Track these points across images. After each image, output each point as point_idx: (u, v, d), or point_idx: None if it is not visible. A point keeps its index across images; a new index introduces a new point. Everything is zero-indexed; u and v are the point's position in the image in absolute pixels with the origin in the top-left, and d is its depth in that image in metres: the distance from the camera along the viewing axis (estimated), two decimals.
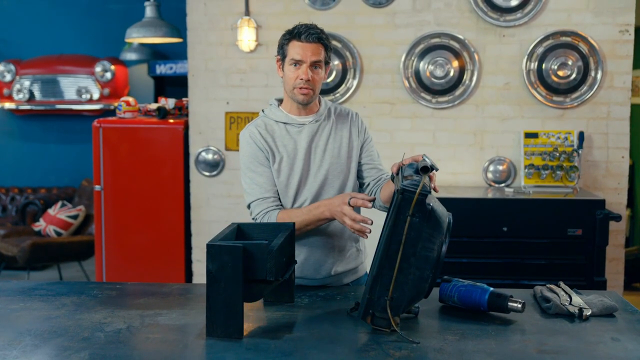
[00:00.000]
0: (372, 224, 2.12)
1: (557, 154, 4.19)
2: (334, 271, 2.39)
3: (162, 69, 6.62)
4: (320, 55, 2.28)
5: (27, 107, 6.67)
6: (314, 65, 2.27)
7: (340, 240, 2.39)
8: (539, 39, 4.24)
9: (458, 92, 4.35)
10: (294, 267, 2.11)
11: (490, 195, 4.07)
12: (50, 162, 7.05)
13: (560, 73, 4.25)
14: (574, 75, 4.25)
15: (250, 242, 1.84)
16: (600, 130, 4.26)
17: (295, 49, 2.26)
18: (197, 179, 4.66)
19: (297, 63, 2.27)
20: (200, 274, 4.71)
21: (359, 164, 2.43)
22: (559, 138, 4.24)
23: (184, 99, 4.98)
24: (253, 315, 2.00)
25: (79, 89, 6.60)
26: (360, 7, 4.39)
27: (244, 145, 2.36)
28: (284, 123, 2.36)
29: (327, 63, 2.34)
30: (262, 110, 2.43)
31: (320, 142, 2.36)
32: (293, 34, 2.28)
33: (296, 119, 2.36)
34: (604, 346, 1.77)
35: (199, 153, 4.64)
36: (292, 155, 2.33)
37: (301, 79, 2.27)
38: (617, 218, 3.81)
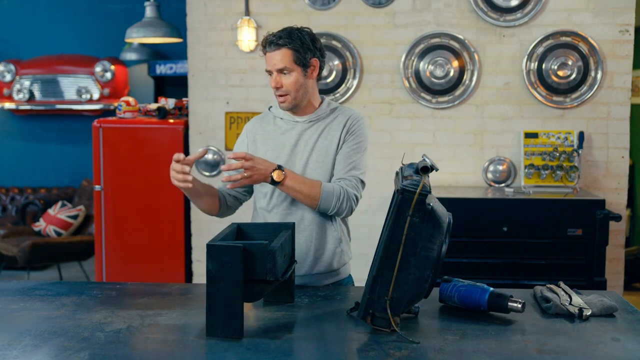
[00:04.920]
0: (189, 173, 2.16)
1: (557, 154, 4.19)
2: (316, 270, 2.37)
3: (162, 69, 6.62)
4: (284, 61, 2.29)
5: (27, 107, 6.67)
6: (281, 71, 2.31)
7: (323, 238, 2.37)
8: (539, 39, 4.24)
9: (458, 92, 4.35)
10: (294, 267, 2.11)
11: (490, 195, 4.06)
12: (50, 162, 7.05)
13: (560, 73, 4.25)
14: (574, 75, 4.25)
15: (250, 242, 1.84)
16: (600, 130, 4.26)
17: (266, 60, 2.34)
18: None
19: (269, 73, 2.34)
20: (200, 274, 4.70)
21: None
22: (559, 138, 4.24)
23: (184, 99, 4.97)
24: (253, 315, 1.99)
25: (79, 89, 6.60)
26: (360, 7, 4.39)
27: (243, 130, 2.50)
28: (281, 118, 2.43)
29: (302, 64, 2.30)
30: (270, 106, 2.51)
31: (310, 140, 2.37)
32: (262, 46, 2.35)
33: (292, 117, 2.41)
34: (604, 346, 1.77)
35: None
36: (277, 151, 2.37)
37: (273, 88, 2.34)
38: (617, 218, 3.81)
